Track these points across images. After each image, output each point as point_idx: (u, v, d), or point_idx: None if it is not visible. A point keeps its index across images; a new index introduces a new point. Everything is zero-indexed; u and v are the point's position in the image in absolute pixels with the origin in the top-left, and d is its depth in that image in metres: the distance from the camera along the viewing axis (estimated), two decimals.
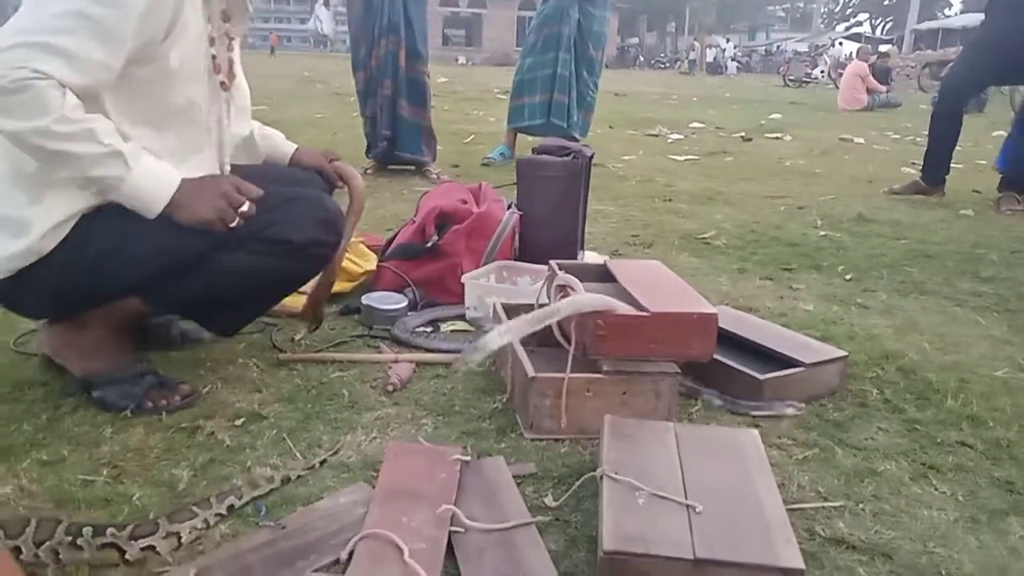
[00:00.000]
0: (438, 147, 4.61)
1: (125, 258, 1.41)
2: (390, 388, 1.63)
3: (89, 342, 1.54)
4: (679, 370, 1.53)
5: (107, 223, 1.39)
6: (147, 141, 1.41)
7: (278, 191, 1.53)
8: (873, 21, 57.25)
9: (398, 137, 4.34)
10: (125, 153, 1.32)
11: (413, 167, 4.47)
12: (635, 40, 47.49)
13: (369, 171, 4.39)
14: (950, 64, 5.08)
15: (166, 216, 1.37)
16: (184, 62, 1.41)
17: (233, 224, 1.40)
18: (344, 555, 1.11)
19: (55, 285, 1.42)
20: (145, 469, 1.34)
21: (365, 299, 2.05)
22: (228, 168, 1.64)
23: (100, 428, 1.46)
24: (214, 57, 1.51)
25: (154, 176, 1.37)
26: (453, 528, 1.17)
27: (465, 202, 2.38)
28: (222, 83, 1.55)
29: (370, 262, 2.31)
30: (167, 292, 1.49)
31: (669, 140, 7.05)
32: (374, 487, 1.27)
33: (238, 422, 1.50)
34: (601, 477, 1.21)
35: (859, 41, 21.66)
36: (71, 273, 1.40)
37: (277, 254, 1.50)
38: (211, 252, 1.45)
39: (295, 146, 1.90)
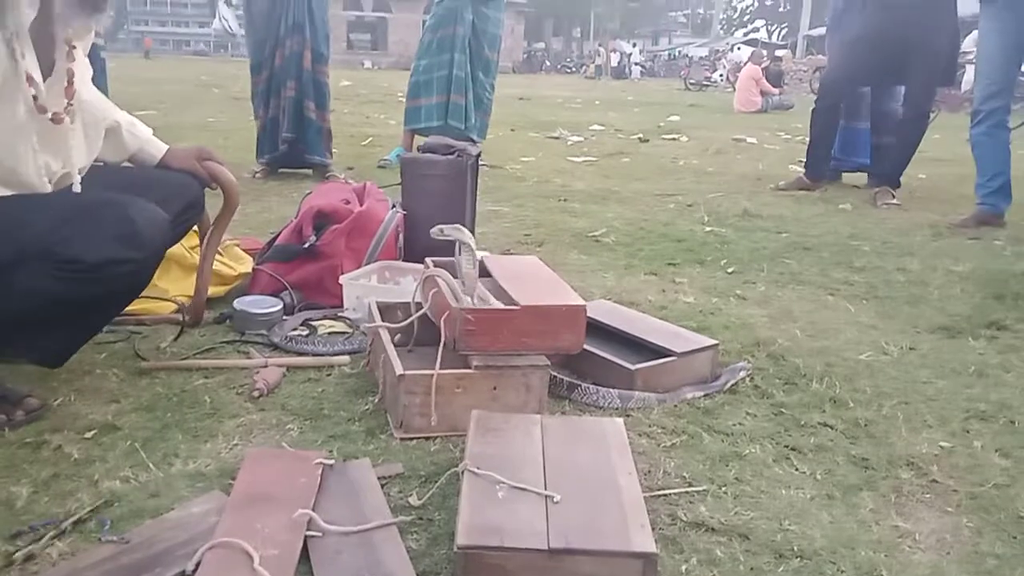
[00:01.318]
0: (335, 150, 4.53)
1: None
2: (256, 394, 1.58)
3: None
4: (549, 362, 1.53)
5: None
6: None
7: (86, 199, 1.41)
8: (769, 27, 59.51)
9: (304, 139, 4.23)
10: None
11: (311, 170, 4.36)
12: (541, 45, 48.00)
13: (259, 175, 4.27)
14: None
15: None
16: None
17: None
18: (190, 566, 1.06)
19: None
20: None
21: (237, 303, 1.98)
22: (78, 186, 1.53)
23: None
24: (35, 97, 1.37)
25: None
26: (309, 533, 1.14)
27: (347, 202, 2.33)
28: (53, 118, 1.40)
29: (245, 265, 2.24)
30: None
31: (569, 142, 7.12)
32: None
33: (89, 434, 1.42)
34: (462, 472, 1.19)
35: (756, 46, 22.43)
36: None
37: (69, 276, 1.33)
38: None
39: (166, 147, 1.79)
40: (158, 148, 1.78)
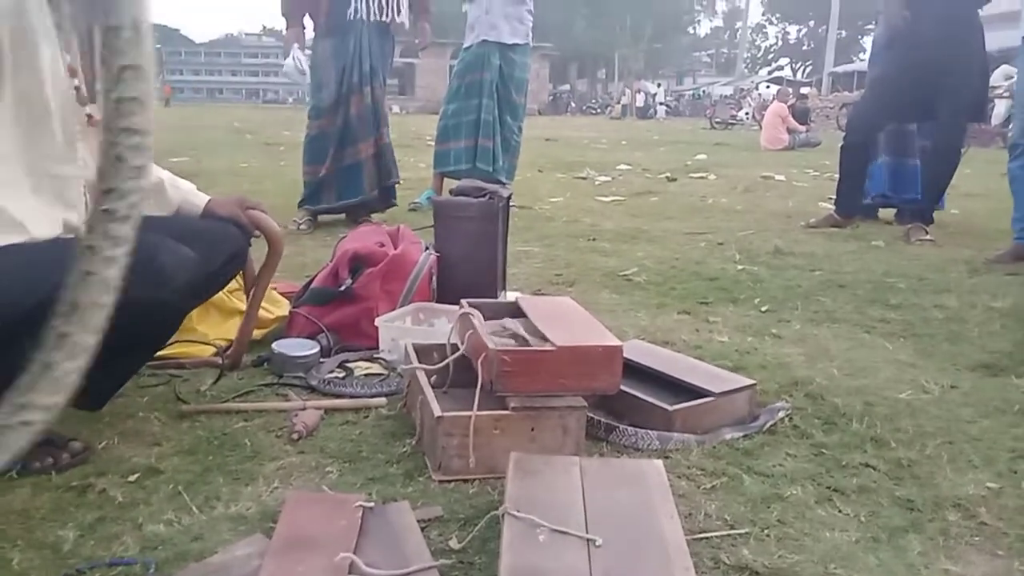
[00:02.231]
0: None
1: None
2: (295, 436, 1.59)
3: None
4: (586, 404, 1.53)
5: None
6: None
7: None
8: (794, 65, 59.81)
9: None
10: None
11: (344, 215, 4.38)
12: (567, 87, 48.54)
13: (303, 226, 4.10)
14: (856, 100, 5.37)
15: None
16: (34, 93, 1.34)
17: None
18: None
19: None
20: (28, 532, 1.27)
21: (276, 346, 2.00)
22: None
23: None
24: (78, 88, 1.42)
25: None
26: None
27: (382, 245, 2.36)
28: (90, 118, 1.45)
29: (282, 308, 2.27)
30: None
31: (597, 182, 7.16)
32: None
33: (132, 478, 1.43)
34: (502, 516, 1.19)
35: (781, 84, 22.53)
36: None
37: None
38: (30, 323, 1.35)
39: (207, 197, 1.82)
40: (200, 199, 1.80)
